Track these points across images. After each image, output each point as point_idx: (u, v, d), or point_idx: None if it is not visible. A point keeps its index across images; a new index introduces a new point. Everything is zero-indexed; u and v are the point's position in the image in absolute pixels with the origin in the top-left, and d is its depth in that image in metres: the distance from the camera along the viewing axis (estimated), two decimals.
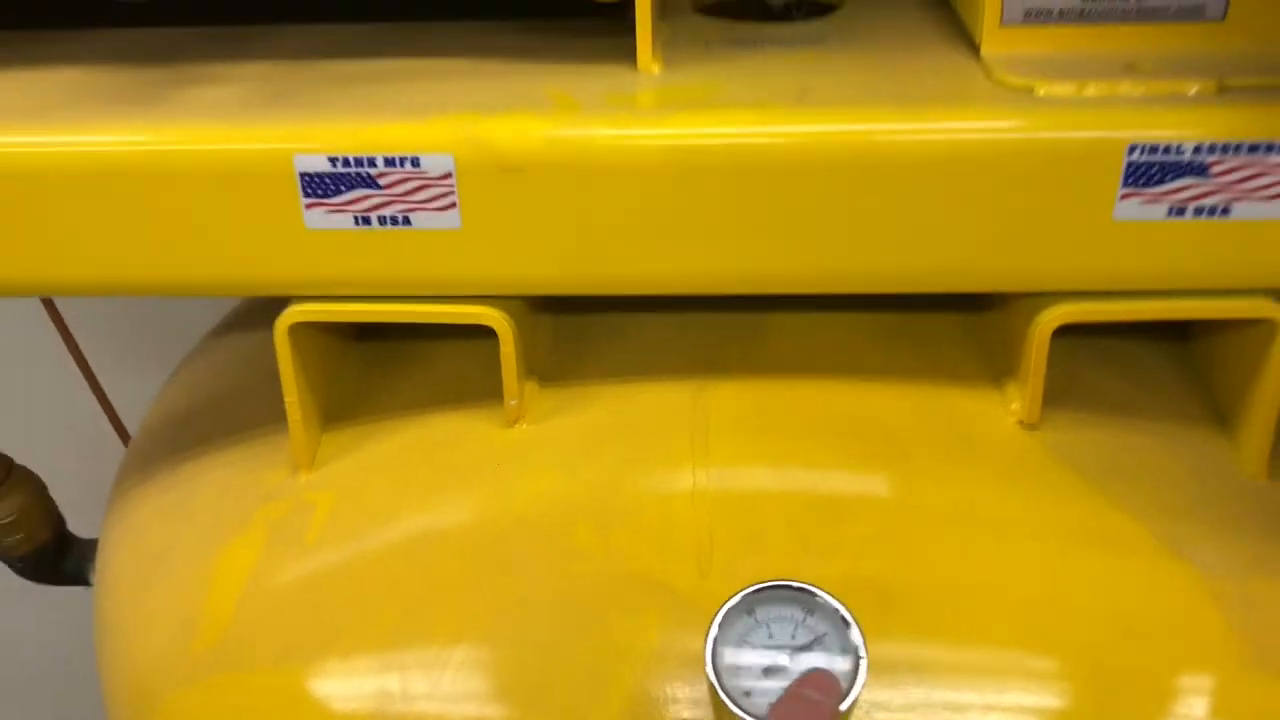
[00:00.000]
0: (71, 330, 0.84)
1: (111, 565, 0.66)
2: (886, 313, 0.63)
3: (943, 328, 0.62)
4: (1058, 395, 0.57)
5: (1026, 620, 0.49)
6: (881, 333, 0.62)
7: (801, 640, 0.44)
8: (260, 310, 0.73)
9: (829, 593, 0.46)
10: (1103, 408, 0.58)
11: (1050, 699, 0.47)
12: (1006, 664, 0.48)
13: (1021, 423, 0.56)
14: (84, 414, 0.93)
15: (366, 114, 0.51)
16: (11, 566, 0.81)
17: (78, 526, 0.81)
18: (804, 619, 0.45)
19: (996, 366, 0.59)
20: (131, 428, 0.93)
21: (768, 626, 0.45)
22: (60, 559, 0.83)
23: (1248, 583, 0.51)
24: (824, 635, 0.44)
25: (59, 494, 0.78)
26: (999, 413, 0.57)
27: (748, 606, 0.45)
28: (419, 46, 0.59)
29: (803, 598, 0.45)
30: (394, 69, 0.56)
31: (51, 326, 0.83)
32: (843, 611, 0.45)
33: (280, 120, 0.51)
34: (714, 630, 0.44)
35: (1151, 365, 0.61)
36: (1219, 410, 0.58)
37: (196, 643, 0.55)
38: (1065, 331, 0.55)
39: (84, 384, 0.90)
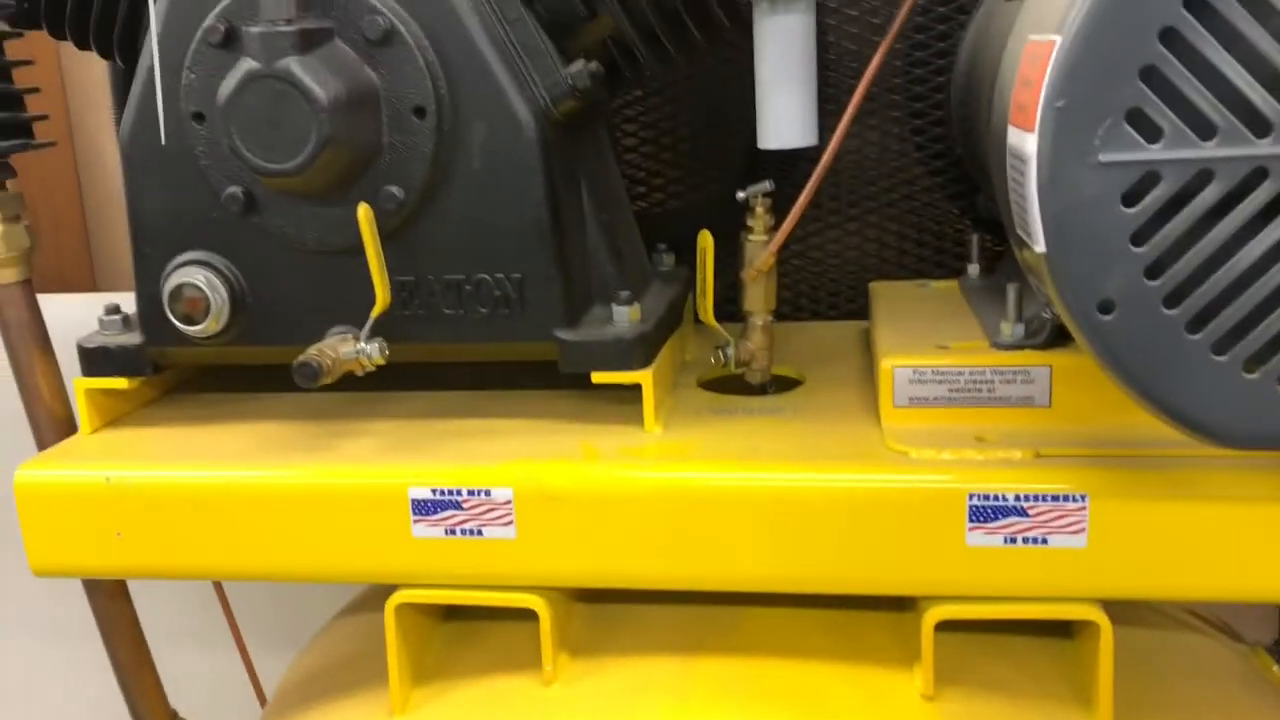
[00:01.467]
0: (233, 610, 1.09)
1: None
2: (833, 610, 0.83)
3: (875, 622, 0.82)
4: (956, 675, 0.76)
5: None
6: (829, 625, 0.82)
7: None
8: (372, 600, 0.96)
9: None
10: (991, 687, 0.77)
11: None
12: None
13: (923, 695, 0.75)
14: (233, 681, 1.17)
15: (456, 460, 0.77)
16: None
17: None
18: None
19: (908, 651, 0.78)
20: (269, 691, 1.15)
21: None
22: None
23: None
24: None
25: None
26: (908, 687, 0.76)
27: None
28: (494, 410, 0.85)
29: None
30: (476, 427, 0.83)
31: (219, 607, 1.08)
32: None
33: (400, 464, 0.77)
34: None
35: (1037, 657, 0.80)
36: (1083, 694, 0.76)
37: None
38: (965, 628, 0.75)
39: (236, 655, 1.14)
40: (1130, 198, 0.53)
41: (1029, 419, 0.77)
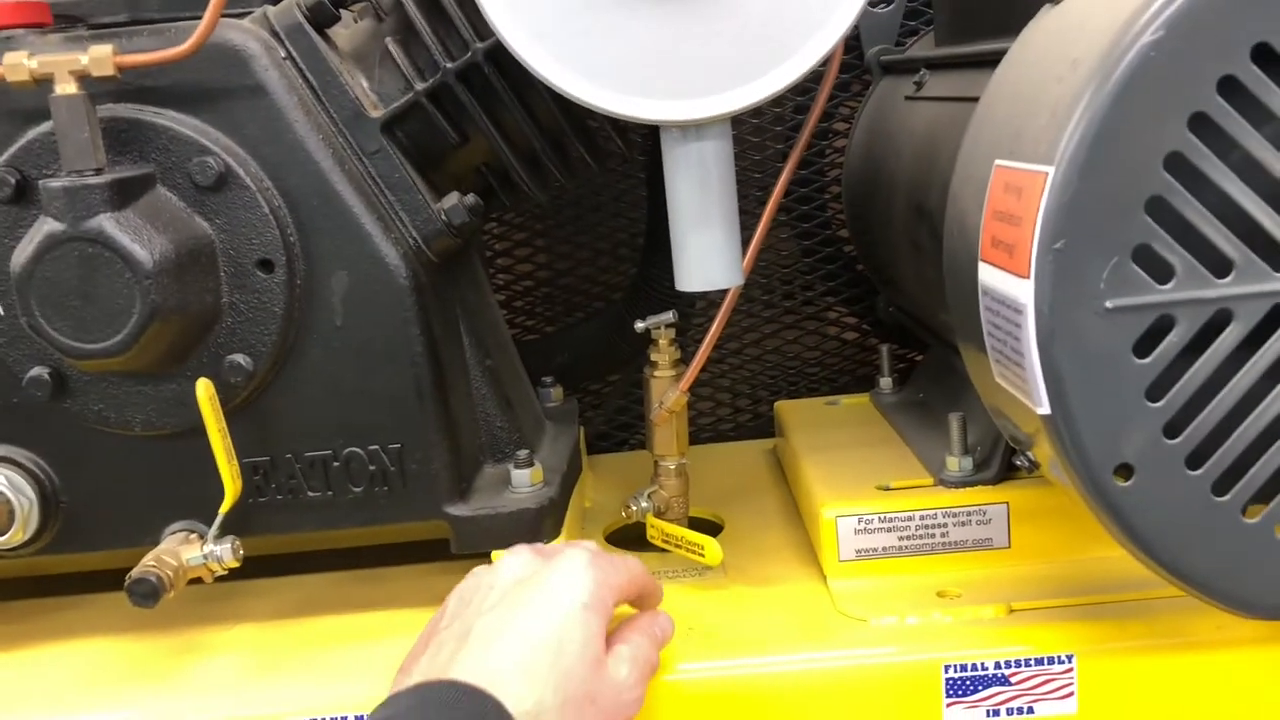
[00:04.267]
0: None
1: None
2: None
3: None
4: None
5: None
6: None
7: None
8: None
9: None
10: None
11: None
12: None
13: None
14: None
15: (328, 686, 0.63)
16: None
17: None
18: None
19: None
20: None
21: None
22: None
23: None
24: None
25: None
26: None
27: None
28: (371, 598, 0.72)
29: None
30: (350, 626, 0.69)
31: None
32: None
33: (262, 699, 0.63)
34: None
35: None
36: None
37: None
38: None
39: None
40: (1143, 346, 0.45)
41: (988, 564, 0.69)
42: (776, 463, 0.93)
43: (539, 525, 0.68)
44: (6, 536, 0.66)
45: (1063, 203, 0.44)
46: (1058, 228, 0.44)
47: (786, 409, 0.92)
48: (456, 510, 0.68)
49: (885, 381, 0.90)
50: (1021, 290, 0.46)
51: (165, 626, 0.71)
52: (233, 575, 0.70)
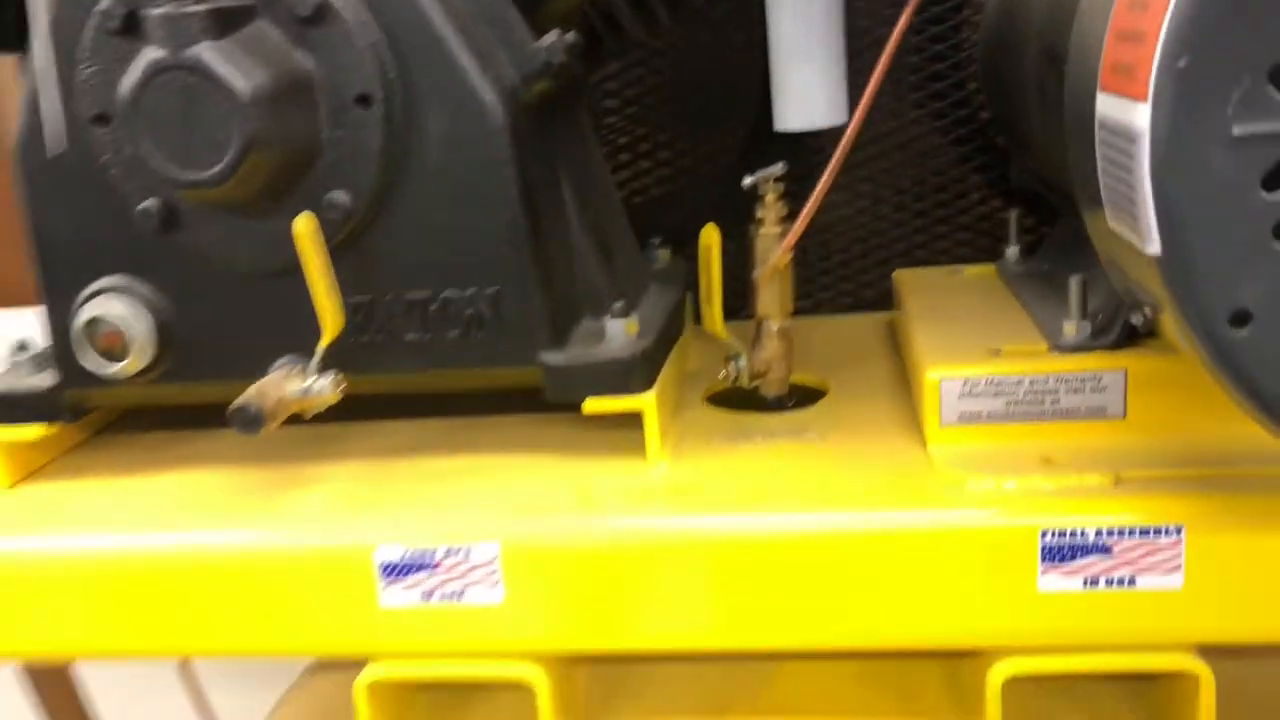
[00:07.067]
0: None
1: None
2: (878, 661, 0.72)
3: (926, 673, 0.71)
4: None
5: None
6: (873, 677, 0.71)
7: None
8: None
9: None
10: None
11: None
12: None
13: None
14: None
15: (429, 512, 0.65)
16: None
17: None
18: None
19: (967, 708, 0.67)
20: None
21: None
22: None
23: None
24: None
25: None
26: None
27: None
28: (471, 443, 0.73)
29: None
30: (451, 466, 0.70)
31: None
32: None
33: (363, 520, 0.65)
34: None
35: (1117, 707, 0.69)
36: None
37: None
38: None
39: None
40: (1273, 179, 0.41)
41: (1101, 434, 0.65)
42: (893, 335, 0.90)
43: (629, 376, 0.67)
44: (124, 364, 0.69)
45: (1190, 13, 0.39)
46: (1182, 42, 0.40)
47: (905, 277, 0.89)
48: (550, 358, 0.68)
49: (1011, 250, 0.86)
50: (1138, 115, 0.42)
51: (272, 460, 0.74)
52: (336, 419, 0.72)
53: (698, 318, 0.78)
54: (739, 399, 0.78)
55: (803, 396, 0.78)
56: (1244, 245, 0.42)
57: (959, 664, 0.69)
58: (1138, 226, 0.43)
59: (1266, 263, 0.42)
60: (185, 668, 0.98)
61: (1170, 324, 0.46)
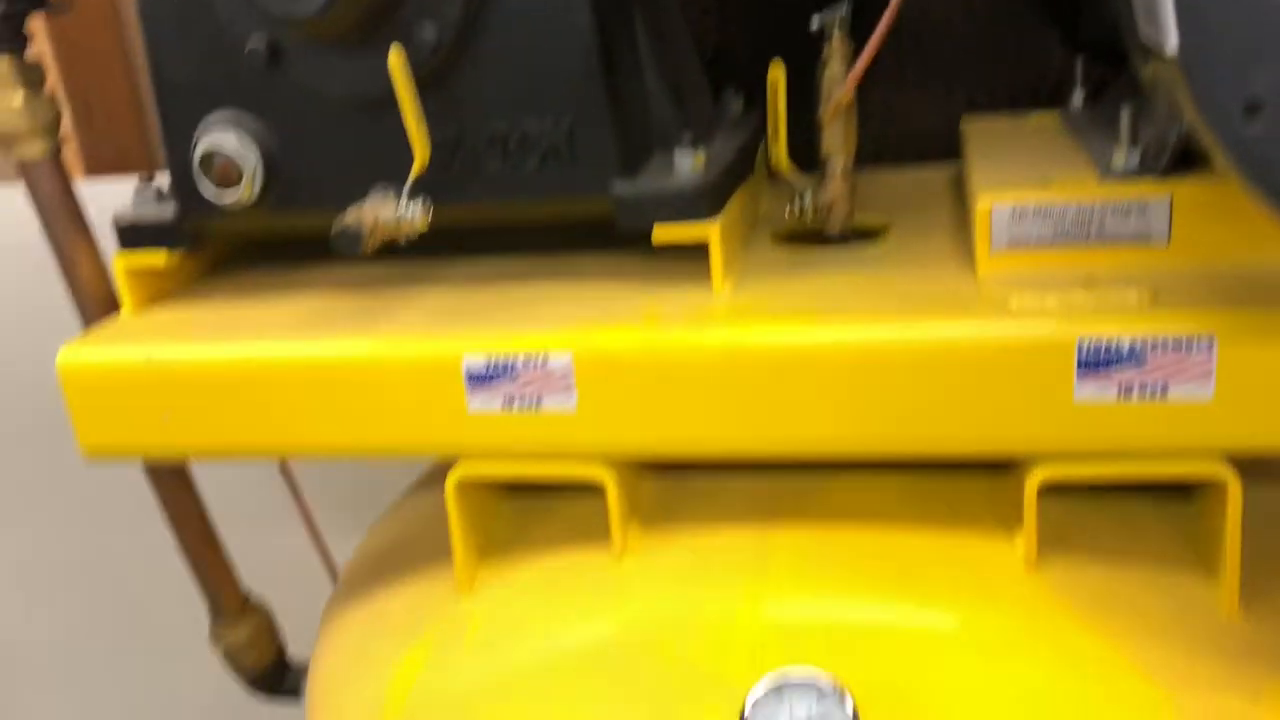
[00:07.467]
0: (300, 487, 1.07)
1: (318, 674, 0.85)
2: (923, 473, 0.77)
3: (969, 486, 0.75)
4: (1062, 541, 0.70)
5: None
6: (919, 490, 0.76)
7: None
8: (440, 476, 0.93)
9: (843, 685, 0.60)
10: (1099, 554, 0.70)
11: None
12: None
13: (1025, 564, 0.69)
14: (305, 557, 1.16)
15: (511, 326, 0.71)
16: (242, 678, 1.01)
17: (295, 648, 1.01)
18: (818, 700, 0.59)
19: (1008, 517, 0.72)
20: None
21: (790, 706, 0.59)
22: (281, 676, 1.03)
23: (1211, 701, 0.62)
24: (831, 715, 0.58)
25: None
26: (1007, 556, 0.70)
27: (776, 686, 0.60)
28: (549, 274, 0.79)
29: (819, 684, 0.60)
30: (531, 292, 0.77)
31: (283, 484, 1.06)
32: (848, 697, 0.59)
33: (452, 332, 0.72)
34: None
35: (1150, 521, 0.73)
36: (1206, 560, 0.69)
37: None
38: (1071, 489, 0.68)
39: (305, 534, 1.12)
40: None
41: (1145, 259, 0.68)
42: (958, 182, 0.92)
43: (695, 203, 0.72)
44: (237, 192, 0.76)
45: None
46: None
47: (972, 124, 0.91)
48: (621, 188, 0.73)
49: (1077, 95, 0.87)
50: None
51: (370, 286, 0.81)
52: (425, 253, 0.78)
53: (771, 171, 0.82)
54: (805, 239, 0.82)
55: (865, 236, 0.82)
56: (1257, 32, 0.44)
57: (1000, 479, 0.74)
58: (1158, 22, 0.46)
59: (1278, 50, 0.44)
60: (285, 470, 1.07)
61: (1192, 123, 0.48)
